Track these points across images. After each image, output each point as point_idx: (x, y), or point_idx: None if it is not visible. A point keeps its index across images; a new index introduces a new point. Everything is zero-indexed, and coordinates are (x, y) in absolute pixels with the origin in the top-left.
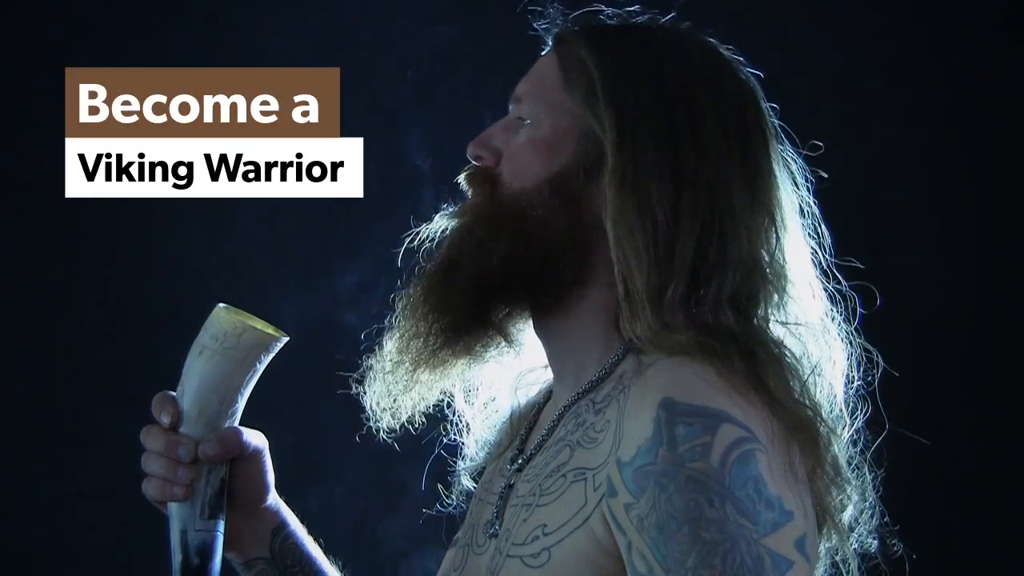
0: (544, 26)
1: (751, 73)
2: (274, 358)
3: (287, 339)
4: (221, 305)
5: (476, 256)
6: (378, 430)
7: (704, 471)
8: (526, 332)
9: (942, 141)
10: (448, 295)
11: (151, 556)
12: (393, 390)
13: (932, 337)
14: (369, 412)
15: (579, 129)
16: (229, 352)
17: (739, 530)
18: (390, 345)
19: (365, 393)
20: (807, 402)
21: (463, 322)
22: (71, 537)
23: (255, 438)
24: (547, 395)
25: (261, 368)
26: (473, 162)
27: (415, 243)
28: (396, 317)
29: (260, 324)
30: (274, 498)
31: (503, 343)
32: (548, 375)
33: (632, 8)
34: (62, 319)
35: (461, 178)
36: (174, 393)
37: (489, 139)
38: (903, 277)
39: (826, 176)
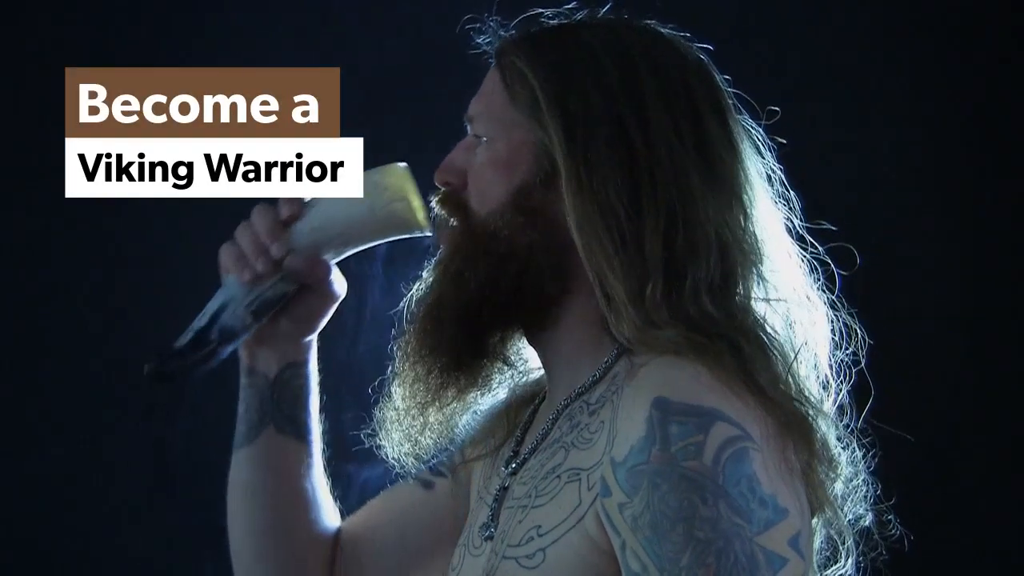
0: (487, 40)
1: (699, 48)
2: None
3: (428, 234)
4: (403, 164)
5: (456, 288)
6: (407, 474)
7: (697, 470)
8: (525, 348)
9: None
10: (439, 334)
11: (153, 553)
12: (411, 433)
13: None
14: (392, 461)
15: (531, 142)
16: (374, 206)
17: (733, 528)
18: (397, 393)
19: (383, 445)
20: (799, 394)
21: (460, 357)
22: (70, 535)
23: (339, 285)
24: (542, 396)
25: (388, 240)
26: (441, 188)
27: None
28: (397, 364)
29: (418, 205)
30: (312, 341)
31: (504, 368)
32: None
33: (571, 6)
34: (61, 319)
35: (434, 203)
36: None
37: (453, 163)
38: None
39: (785, 142)
